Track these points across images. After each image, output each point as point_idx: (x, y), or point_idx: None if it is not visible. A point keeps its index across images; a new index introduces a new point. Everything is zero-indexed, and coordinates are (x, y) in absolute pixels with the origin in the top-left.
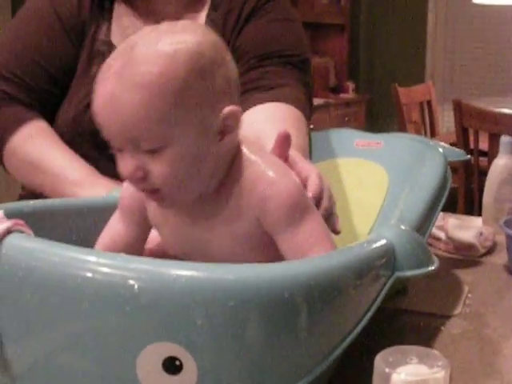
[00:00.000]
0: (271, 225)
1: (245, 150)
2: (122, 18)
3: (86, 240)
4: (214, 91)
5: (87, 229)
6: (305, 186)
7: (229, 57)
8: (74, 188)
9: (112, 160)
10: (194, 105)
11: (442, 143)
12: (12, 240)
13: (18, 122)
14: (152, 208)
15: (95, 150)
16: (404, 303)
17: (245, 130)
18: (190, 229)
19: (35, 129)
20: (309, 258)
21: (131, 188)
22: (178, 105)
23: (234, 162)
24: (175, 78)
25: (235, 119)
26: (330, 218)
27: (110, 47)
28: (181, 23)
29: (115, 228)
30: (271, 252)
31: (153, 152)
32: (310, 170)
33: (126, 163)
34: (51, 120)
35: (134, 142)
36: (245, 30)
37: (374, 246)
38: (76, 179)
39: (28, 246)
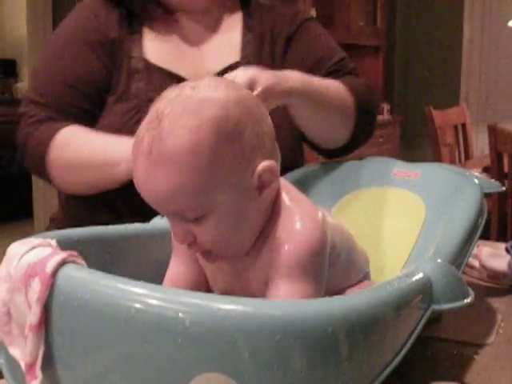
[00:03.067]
0: (273, 269)
1: (284, 196)
2: (153, 36)
3: (132, 264)
4: (245, 151)
5: (132, 255)
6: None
7: (259, 109)
8: (117, 168)
9: None
10: (227, 170)
11: (478, 174)
12: (67, 271)
13: (52, 133)
14: None
15: None
16: (438, 331)
17: None
18: (231, 271)
19: (69, 133)
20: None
21: None
22: (211, 174)
23: (273, 209)
24: (203, 149)
25: (271, 173)
26: None
27: (146, 64)
28: (203, 84)
29: (175, 271)
30: None
31: (198, 220)
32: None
33: (175, 230)
34: None
35: (176, 214)
36: (291, 56)
37: (412, 279)
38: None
39: (83, 278)
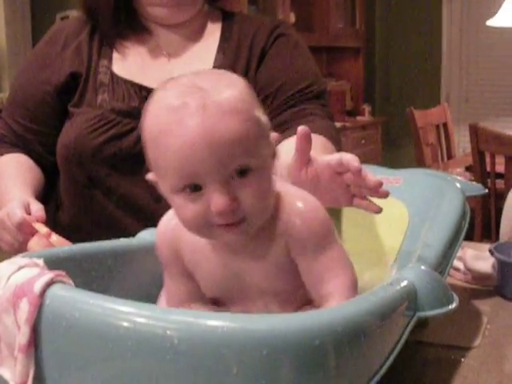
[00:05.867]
0: (299, 249)
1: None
2: (124, 49)
3: (119, 280)
4: (266, 121)
5: (119, 270)
6: (342, 164)
7: None
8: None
9: (107, 174)
10: (265, 131)
11: (460, 178)
12: (55, 291)
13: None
14: (187, 252)
15: (92, 166)
16: (424, 336)
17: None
18: (225, 265)
19: (10, 156)
20: (329, 285)
21: (163, 240)
22: (259, 130)
23: None
24: (252, 103)
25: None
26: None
27: (112, 76)
28: (215, 71)
29: (171, 289)
30: (298, 281)
31: (243, 176)
32: (339, 154)
33: (219, 198)
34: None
35: (228, 168)
36: (262, 72)
37: (397, 287)
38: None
39: (71, 297)
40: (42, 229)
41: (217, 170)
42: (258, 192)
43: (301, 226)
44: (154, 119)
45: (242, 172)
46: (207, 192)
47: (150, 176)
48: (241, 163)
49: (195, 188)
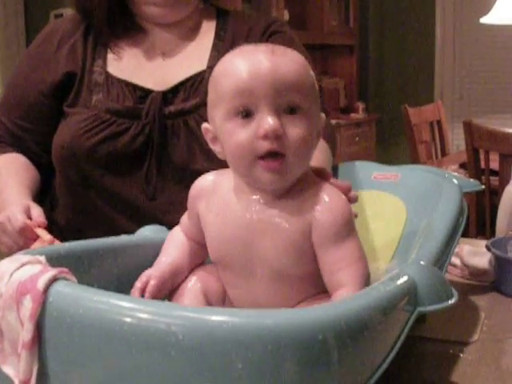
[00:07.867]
0: (321, 235)
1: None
2: (119, 49)
3: (119, 277)
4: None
5: (120, 267)
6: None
7: None
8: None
9: (102, 174)
10: (316, 91)
11: (456, 173)
12: (58, 288)
13: None
14: (204, 203)
15: (87, 166)
16: (422, 331)
17: None
18: (242, 227)
19: (7, 156)
20: (342, 275)
21: (197, 188)
22: (313, 83)
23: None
24: (310, 68)
25: None
26: None
27: (107, 76)
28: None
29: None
30: (309, 270)
31: (293, 113)
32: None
33: (268, 119)
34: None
35: (283, 99)
36: None
37: (397, 283)
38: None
39: (75, 294)
40: (45, 235)
41: (271, 96)
42: (302, 134)
43: (325, 213)
44: (227, 58)
45: (292, 110)
46: (258, 118)
47: (205, 125)
48: (294, 99)
49: (247, 114)
